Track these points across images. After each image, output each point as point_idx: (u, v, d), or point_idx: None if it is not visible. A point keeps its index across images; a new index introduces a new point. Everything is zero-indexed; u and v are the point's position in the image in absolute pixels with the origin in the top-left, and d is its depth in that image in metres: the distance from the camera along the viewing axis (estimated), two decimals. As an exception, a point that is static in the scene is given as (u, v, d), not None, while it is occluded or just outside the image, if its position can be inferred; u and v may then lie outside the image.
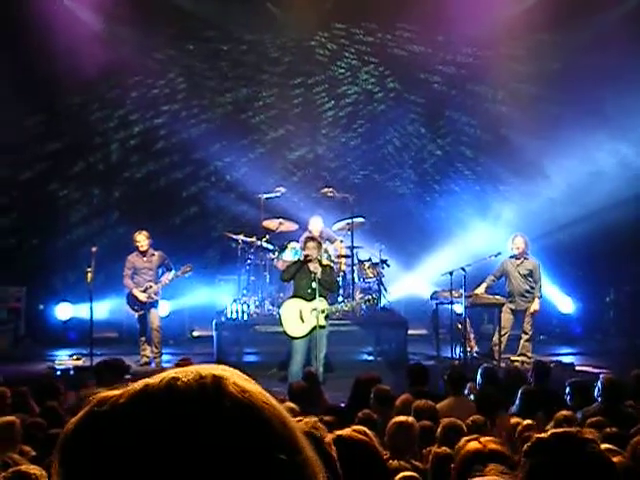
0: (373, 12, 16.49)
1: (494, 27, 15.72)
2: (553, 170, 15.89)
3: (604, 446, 4.28)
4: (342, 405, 8.18)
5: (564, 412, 6.08)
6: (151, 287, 12.72)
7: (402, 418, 5.56)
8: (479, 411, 6.79)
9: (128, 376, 8.61)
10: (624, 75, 14.84)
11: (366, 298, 12.66)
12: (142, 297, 12.69)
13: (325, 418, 5.32)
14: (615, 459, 4.18)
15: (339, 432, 2.86)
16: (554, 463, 2.62)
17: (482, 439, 4.02)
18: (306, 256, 11.28)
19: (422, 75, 17.08)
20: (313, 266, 11.19)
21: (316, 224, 13.44)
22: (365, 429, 3.65)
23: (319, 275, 11.12)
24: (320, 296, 11.10)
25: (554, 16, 15.24)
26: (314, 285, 11.09)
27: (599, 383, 7.22)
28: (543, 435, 2.71)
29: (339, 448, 2.42)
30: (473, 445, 3.90)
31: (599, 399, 7.11)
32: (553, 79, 15.78)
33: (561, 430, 2.79)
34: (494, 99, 16.85)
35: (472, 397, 8.08)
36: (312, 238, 11.74)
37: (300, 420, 2.46)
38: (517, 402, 7.36)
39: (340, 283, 13.03)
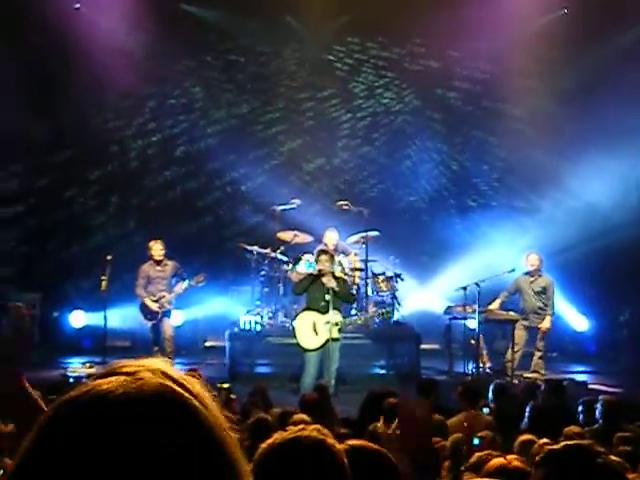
0: (389, 27, 16.45)
1: (510, 43, 15.70)
2: (570, 187, 15.79)
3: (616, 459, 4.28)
4: (352, 418, 8.11)
5: (573, 428, 6.04)
6: (164, 297, 12.73)
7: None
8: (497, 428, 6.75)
9: None
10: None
11: (379, 312, 12.63)
12: (154, 307, 12.71)
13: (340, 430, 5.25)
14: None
15: (351, 442, 2.84)
16: (565, 474, 2.61)
17: (508, 456, 4.01)
18: (319, 270, 11.30)
19: (439, 90, 17.07)
20: (326, 279, 11.20)
21: (331, 237, 13.38)
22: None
23: (334, 287, 11.11)
24: (334, 309, 11.10)
25: (573, 32, 15.18)
26: (327, 298, 11.07)
27: (599, 405, 7.18)
28: (555, 446, 2.71)
29: (352, 458, 2.40)
30: (497, 461, 3.89)
31: (600, 420, 7.07)
32: (570, 96, 15.69)
33: (573, 442, 2.79)
34: (510, 116, 16.77)
35: (485, 411, 8.03)
36: (324, 251, 11.72)
37: (304, 429, 2.44)
38: (526, 418, 7.32)
39: (355, 295, 13.02)
